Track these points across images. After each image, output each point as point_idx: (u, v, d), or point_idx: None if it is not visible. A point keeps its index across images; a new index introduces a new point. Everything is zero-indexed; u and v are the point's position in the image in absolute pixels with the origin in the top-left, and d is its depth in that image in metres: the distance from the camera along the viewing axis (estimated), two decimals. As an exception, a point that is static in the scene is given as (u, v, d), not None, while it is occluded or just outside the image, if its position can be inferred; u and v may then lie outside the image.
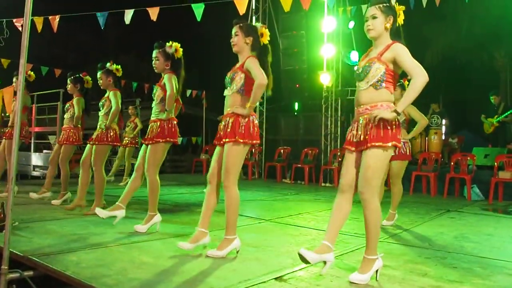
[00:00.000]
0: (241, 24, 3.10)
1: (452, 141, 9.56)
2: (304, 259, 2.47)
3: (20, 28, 6.42)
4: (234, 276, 2.57)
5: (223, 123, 3.06)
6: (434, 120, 9.13)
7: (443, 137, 9.30)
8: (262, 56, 3.10)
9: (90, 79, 5.20)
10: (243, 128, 2.95)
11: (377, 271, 2.58)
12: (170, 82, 3.68)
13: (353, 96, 9.76)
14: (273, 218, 4.81)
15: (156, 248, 3.21)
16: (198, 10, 5.69)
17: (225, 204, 3.00)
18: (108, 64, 4.60)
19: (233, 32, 3.10)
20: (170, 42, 3.77)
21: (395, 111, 2.48)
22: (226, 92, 3.10)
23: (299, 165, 9.05)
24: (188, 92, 11.97)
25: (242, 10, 5.48)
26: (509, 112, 8.44)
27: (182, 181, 8.85)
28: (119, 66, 4.64)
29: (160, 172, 4.97)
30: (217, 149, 3.12)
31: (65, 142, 5.18)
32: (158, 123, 3.72)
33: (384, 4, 2.57)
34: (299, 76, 10.25)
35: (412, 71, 2.47)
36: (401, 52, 2.51)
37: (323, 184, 8.81)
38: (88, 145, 4.67)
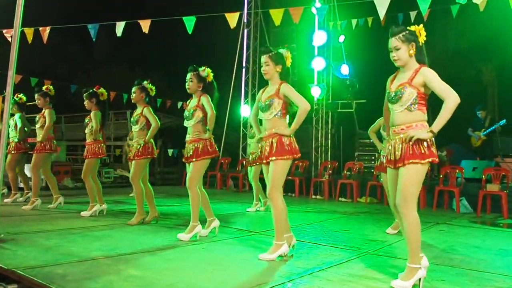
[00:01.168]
0: (270, 54, 3.43)
1: (441, 154, 9.65)
2: None
3: (10, 39, 6.41)
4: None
5: (265, 143, 3.42)
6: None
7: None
8: (288, 79, 3.53)
9: (105, 91, 5.42)
10: (287, 145, 3.34)
11: (420, 279, 2.69)
12: (209, 104, 4.00)
13: (344, 109, 9.92)
14: (263, 230, 4.79)
15: (143, 261, 3.18)
16: (189, 23, 5.73)
17: (272, 214, 3.41)
18: (145, 82, 4.86)
19: (262, 61, 3.43)
20: (203, 67, 4.09)
21: (431, 131, 2.62)
22: (265, 117, 3.43)
23: (290, 178, 9.05)
24: (179, 104, 11.96)
25: (233, 23, 5.54)
26: (495, 126, 8.57)
27: (172, 193, 8.80)
28: (154, 87, 4.94)
29: (151, 184, 5.00)
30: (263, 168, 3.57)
31: (89, 156, 5.29)
32: (203, 143, 4.01)
33: (404, 33, 2.70)
34: (290, 89, 10.30)
35: (443, 94, 2.63)
36: (431, 77, 2.66)
37: (313, 197, 8.82)
38: (133, 162, 4.79)
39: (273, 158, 3.32)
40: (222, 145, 10.34)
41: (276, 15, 5.72)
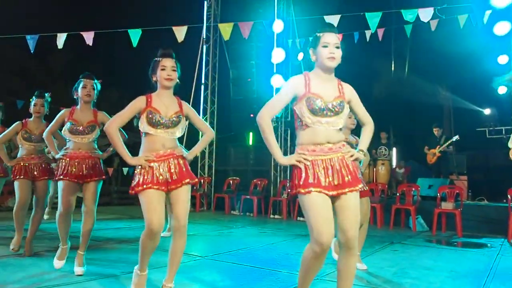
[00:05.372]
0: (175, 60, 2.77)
1: (399, 172, 9.71)
2: None
3: None
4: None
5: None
6: (382, 152, 9.25)
7: (393, 168, 9.44)
8: None
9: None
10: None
11: None
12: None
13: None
14: (210, 255, 4.51)
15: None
16: (135, 35, 5.48)
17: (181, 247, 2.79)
18: (47, 95, 4.30)
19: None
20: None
21: (362, 150, 2.46)
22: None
23: (248, 197, 8.81)
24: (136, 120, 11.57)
25: (180, 37, 5.33)
26: (449, 142, 8.71)
27: (125, 214, 8.34)
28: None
29: (107, 204, 4.61)
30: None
31: None
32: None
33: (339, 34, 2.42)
34: (249, 106, 10.19)
35: (367, 118, 2.53)
36: (357, 97, 2.48)
37: (271, 216, 8.60)
38: None
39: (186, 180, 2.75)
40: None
41: (225, 30, 5.56)
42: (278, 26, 9.56)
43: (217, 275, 3.66)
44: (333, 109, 2.33)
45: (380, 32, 8.60)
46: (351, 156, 2.36)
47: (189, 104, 2.98)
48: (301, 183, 2.26)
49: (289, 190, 8.44)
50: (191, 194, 9.72)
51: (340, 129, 2.40)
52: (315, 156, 2.30)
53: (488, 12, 7.64)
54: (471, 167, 8.88)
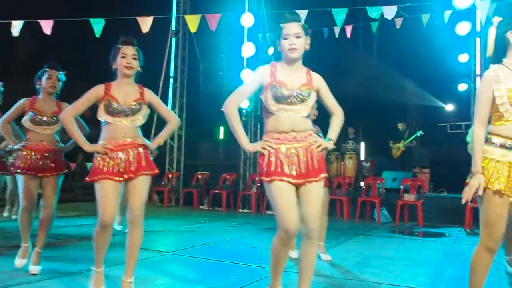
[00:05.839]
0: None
1: (366, 165, 9.94)
2: None
3: None
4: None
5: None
6: (349, 146, 9.44)
7: (360, 161, 9.65)
8: None
9: None
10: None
11: None
12: None
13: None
14: (176, 250, 4.49)
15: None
16: (98, 25, 5.33)
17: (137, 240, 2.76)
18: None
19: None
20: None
21: (331, 139, 2.47)
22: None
23: (217, 191, 8.81)
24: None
25: (145, 28, 5.23)
26: (413, 137, 9.00)
27: (89, 211, 8.15)
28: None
29: (70, 200, 4.45)
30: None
31: None
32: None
33: (303, 23, 2.37)
34: (219, 100, 10.12)
35: (336, 107, 2.51)
36: (326, 87, 2.48)
37: (240, 210, 8.63)
38: None
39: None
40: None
41: (192, 22, 5.50)
42: (248, 19, 9.56)
43: (182, 270, 3.65)
44: (298, 97, 2.34)
45: (348, 29, 8.75)
46: (319, 146, 2.37)
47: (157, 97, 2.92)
48: (266, 170, 2.29)
49: (258, 184, 8.51)
50: (159, 189, 9.57)
51: (307, 116, 2.40)
52: (279, 144, 2.32)
53: (448, 12, 7.90)
54: (434, 160, 9.17)
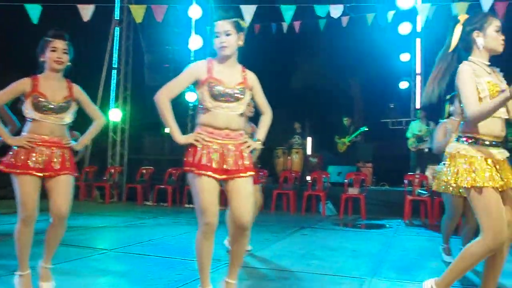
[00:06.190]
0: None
1: (313, 160, 10.11)
2: None
3: None
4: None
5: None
6: (296, 141, 9.56)
7: (306, 156, 9.81)
8: None
9: None
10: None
11: None
12: None
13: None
14: (119, 247, 4.29)
15: None
16: (34, 11, 4.94)
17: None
18: None
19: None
20: None
21: (259, 140, 2.51)
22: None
23: (162, 186, 8.57)
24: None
25: (86, 17, 4.93)
26: (358, 132, 9.29)
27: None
28: None
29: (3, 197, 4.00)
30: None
31: None
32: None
33: (236, 19, 2.37)
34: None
35: (266, 107, 2.55)
36: (259, 85, 2.50)
37: (186, 205, 8.45)
38: None
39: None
40: (89, 151, 9.39)
41: (137, 12, 5.26)
42: (195, 11, 9.36)
43: (125, 267, 3.50)
44: (234, 95, 2.37)
45: (297, 25, 8.83)
46: (248, 147, 2.42)
47: (100, 90, 2.79)
48: (195, 162, 2.30)
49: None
50: (100, 185, 9.10)
51: (241, 114, 2.44)
52: (211, 138, 2.34)
53: (392, 13, 8.19)
54: (376, 155, 9.51)
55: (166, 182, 8.60)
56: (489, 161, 2.20)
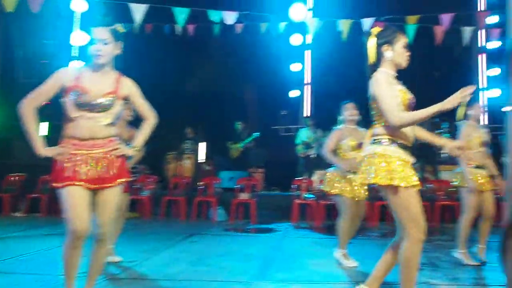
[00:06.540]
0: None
1: (205, 166, 9.96)
2: None
3: None
4: None
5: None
6: (187, 146, 9.33)
7: (198, 162, 9.61)
8: None
9: None
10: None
11: None
12: None
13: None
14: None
15: None
16: None
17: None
18: None
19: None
20: None
21: (135, 146, 2.50)
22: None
23: (36, 195, 7.61)
24: None
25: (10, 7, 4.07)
26: (250, 139, 9.43)
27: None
28: None
29: None
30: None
31: None
32: None
33: (114, 27, 2.34)
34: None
35: (148, 112, 2.52)
36: (137, 92, 2.46)
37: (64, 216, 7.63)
38: None
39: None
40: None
41: (8, 0, 4.56)
42: (79, 4, 8.60)
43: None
44: (99, 105, 2.29)
45: (191, 28, 8.65)
46: (118, 153, 2.38)
47: None
48: (60, 175, 2.26)
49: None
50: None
51: (110, 124, 2.36)
52: (76, 150, 2.29)
53: (283, 24, 8.49)
54: (269, 161, 9.73)
55: (40, 191, 7.66)
56: (406, 161, 2.32)
